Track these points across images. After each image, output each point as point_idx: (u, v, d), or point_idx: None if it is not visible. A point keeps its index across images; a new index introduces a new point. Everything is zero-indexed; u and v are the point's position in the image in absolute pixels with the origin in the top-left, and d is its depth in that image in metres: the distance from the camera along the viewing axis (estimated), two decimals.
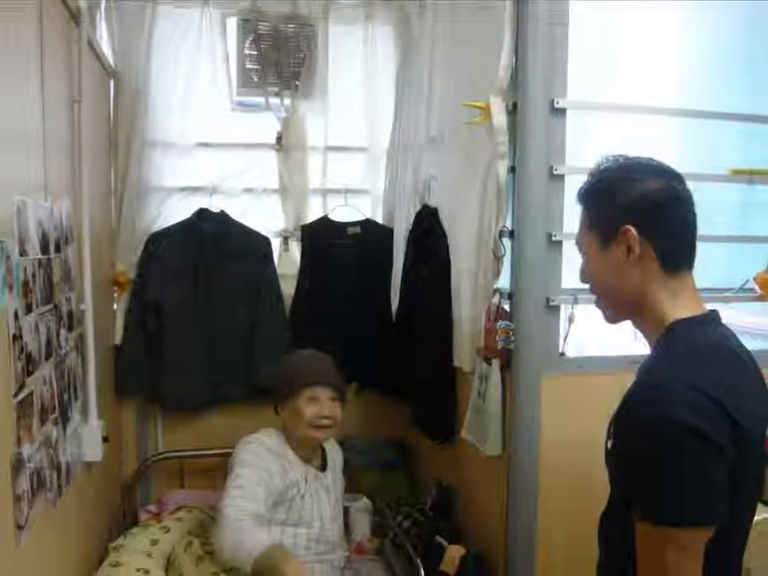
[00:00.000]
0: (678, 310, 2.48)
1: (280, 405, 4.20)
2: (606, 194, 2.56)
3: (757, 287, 4.52)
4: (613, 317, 2.67)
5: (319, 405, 4.10)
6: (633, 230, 2.45)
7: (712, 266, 3.96)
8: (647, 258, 2.47)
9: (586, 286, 2.70)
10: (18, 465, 2.61)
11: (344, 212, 5.61)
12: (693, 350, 2.40)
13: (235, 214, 5.35)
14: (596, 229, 2.57)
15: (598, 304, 2.69)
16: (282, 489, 3.94)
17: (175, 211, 5.27)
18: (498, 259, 4.13)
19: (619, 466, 2.46)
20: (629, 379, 2.46)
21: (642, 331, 2.61)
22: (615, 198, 2.52)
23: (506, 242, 4.10)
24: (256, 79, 5.41)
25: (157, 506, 5.08)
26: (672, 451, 2.19)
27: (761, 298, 4.54)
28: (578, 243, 2.70)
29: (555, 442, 4.06)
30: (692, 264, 2.55)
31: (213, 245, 5.25)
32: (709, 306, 2.57)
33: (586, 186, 2.65)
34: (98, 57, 4.60)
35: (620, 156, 2.61)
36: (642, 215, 2.46)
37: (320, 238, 5.52)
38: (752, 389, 2.46)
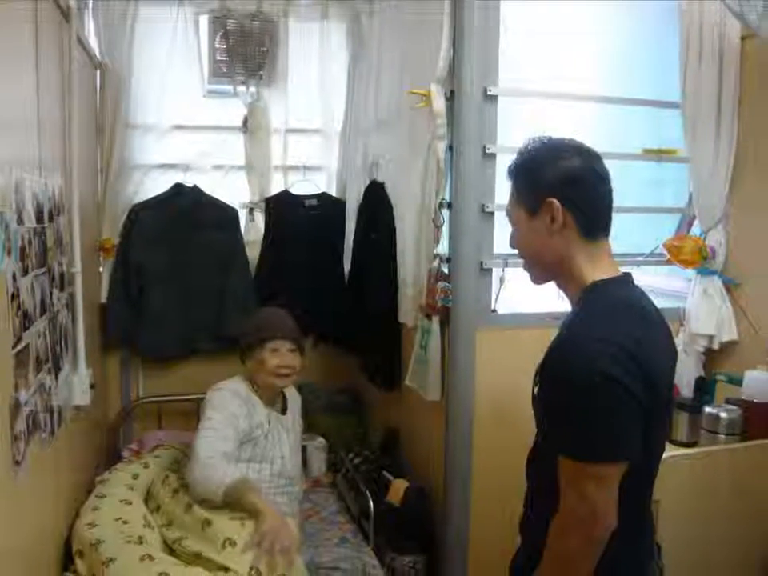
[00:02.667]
0: (596, 272, 2.51)
1: (246, 355, 4.17)
2: (533, 170, 2.56)
3: (665, 252, 4.61)
4: (538, 278, 2.68)
5: (280, 356, 4.09)
6: (556, 201, 2.46)
7: (626, 233, 4.00)
8: (569, 227, 2.48)
9: (515, 251, 2.69)
10: (15, 408, 2.59)
11: (302, 186, 5.61)
12: (610, 308, 2.43)
13: (207, 188, 5.34)
14: (524, 201, 2.57)
15: (526, 267, 2.69)
16: (247, 429, 3.93)
17: (154, 186, 5.27)
18: (438, 228, 4.16)
19: (544, 410, 2.50)
20: (552, 333, 2.50)
21: (564, 291, 2.62)
22: (541, 174, 2.52)
23: (445, 212, 4.13)
24: (225, 70, 5.41)
25: (138, 444, 5.08)
26: (591, 396, 2.26)
27: (668, 262, 4.64)
28: (509, 214, 2.68)
29: (488, 387, 4.10)
30: (608, 232, 2.58)
31: (187, 215, 5.25)
32: (623, 269, 2.60)
33: (515, 163, 2.64)
34: (86, 50, 4.58)
35: (545, 137, 2.61)
36: (565, 189, 2.47)
37: (281, 209, 5.53)
38: (661, 342, 2.52)
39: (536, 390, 2.54)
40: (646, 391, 2.30)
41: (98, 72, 5.05)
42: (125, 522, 3.62)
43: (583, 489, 2.31)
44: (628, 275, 2.60)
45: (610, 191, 2.56)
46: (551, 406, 2.44)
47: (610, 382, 2.24)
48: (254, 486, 3.65)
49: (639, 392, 2.28)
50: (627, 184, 4.41)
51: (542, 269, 2.63)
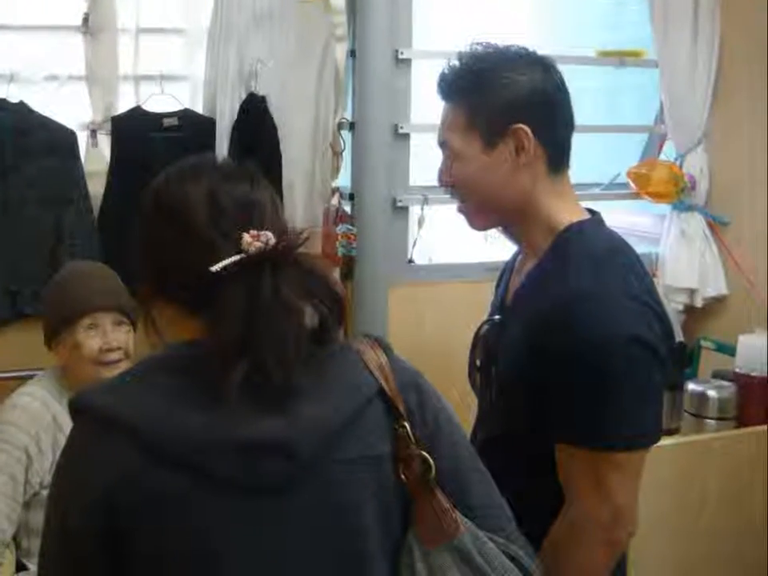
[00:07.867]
0: (566, 213, 2.32)
1: (53, 339, 3.16)
2: (489, 89, 2.28)
3: (630, 182, 4.21)
4: (485, 224, 2.46)
5: (102, 334, 3.07)
6: (526, 128, 2.23)
7: (577, 158, 3.59)
8: (536, 160, 2.27)
9: (436, 183, 2.48)
10: None
11: (159, 101, 4.75)
12: (608, 255, 2.25)
13: (36, 105, 4.49)
14: (478, 128, 2.29)
15: (467, 209, 2.43)
16: (53, 463, 2.91)
17: None
18: (337, 154, 4.11)
19: (536, 391, 2.20)
20: (486, 288, 2.58)
21: (520, 237, 2.42)
22: (502, 93, 2.26)
23: (346, 134, 4.10)
24: None
25: None
26: (625, 370, 2.09)
27: (634, 195, 4.27)
28: (444, 143, 2.37)
29: (404, 356, 3.56)
30: (569, 162, 2.39)
31: (10, 140, 4.41)
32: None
33: (458, 79, 2.32)
34: None
35: (488, 45, 2.32)
36: (534, 112, 2.26)
37: (132, 131, 4.66)
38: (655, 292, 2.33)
39: (502, 367, 2.33)
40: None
41: None
42: None
43: (604, 485, 2.12)
44: (599, 214, 2.40)
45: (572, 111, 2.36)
46: (561, 385, 2.14)
47: (644, 349, 2.07)
48: None
49: (665, 357, 2.15)
50: (578, 96, 4.02)
51: (496, 212, 2.38)
